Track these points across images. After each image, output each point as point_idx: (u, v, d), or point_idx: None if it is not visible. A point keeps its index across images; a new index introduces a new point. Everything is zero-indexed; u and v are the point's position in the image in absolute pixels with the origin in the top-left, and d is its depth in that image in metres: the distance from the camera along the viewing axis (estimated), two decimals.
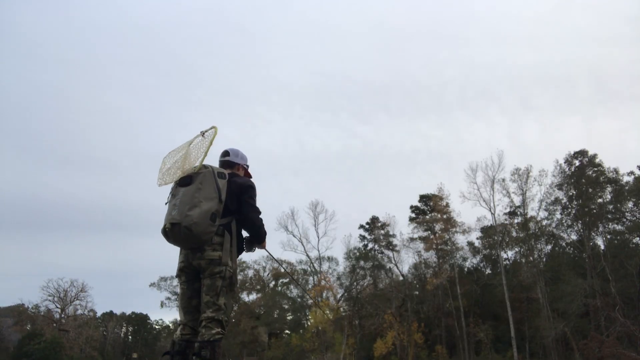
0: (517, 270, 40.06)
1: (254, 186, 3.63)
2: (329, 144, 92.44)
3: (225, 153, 3.81)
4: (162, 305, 54.79)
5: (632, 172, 36.44)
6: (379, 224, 48.41)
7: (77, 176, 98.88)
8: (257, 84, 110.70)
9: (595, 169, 37.99)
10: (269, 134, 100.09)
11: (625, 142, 72.41)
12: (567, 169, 38.56)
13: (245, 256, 3.84)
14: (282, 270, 49.93)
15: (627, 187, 36.36)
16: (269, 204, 59.35)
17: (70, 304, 51.97)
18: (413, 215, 47.82)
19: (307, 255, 47.93)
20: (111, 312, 73.52)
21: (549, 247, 42.68)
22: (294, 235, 47.60)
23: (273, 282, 55.77)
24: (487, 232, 43.90)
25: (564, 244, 42.07)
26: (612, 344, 25.42)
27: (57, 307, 51.40)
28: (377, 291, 44.65)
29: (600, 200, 37.67)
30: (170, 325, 68.76)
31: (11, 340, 50.56)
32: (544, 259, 41.32)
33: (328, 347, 41.78)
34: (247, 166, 3.91)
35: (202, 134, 3.55)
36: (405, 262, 52.29)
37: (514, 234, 42.08)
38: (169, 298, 54.07)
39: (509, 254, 45.33)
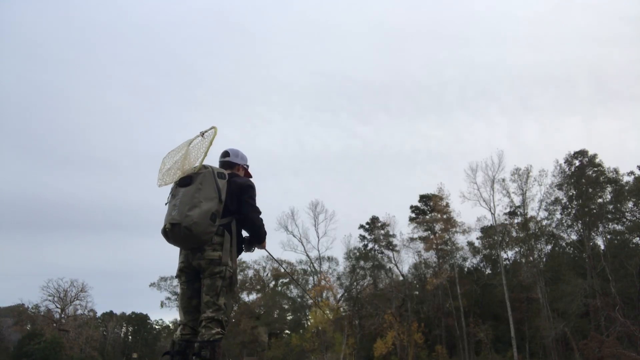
0: (517, 270, 40.05)
1: (254, 186, 3.63)
2: (329, 144, 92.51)
3: (225, 153, 3.82)
4: (162, 305, 54.88)
5: (632, 172, 36.49)
6: (379, 224, 48.43)
7: (77, 176, 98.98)
8: (257, 84, 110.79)
9: (595, 169, 37.99)
10: (269, 134, 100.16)
11: (625, 142, 72.45)
12: (567, 169, 38.59)
13: (245, 256, 3.84)
14: (282, 270, 49.94)
15: (627, 187, 36.36)
16: (269, 204, 59.44)
17: (70, 304, 52.03)
18: (413, 215, 47.85)
19: (307, 255, 48.00)
20: (111, 312, 73.61)
21: (549, 247, 42.71)
22: (294, 235, 47.68)
23: (273, 282, 55.78)
24: (487, 232, 43.91)
25: (564, 244, 42.08)
26: (612, 344, 25.42)
27: (57, 307, 51.44)
28: (377, 291, 44.66)
29: (600, 200, 37.68)
30: (170, 325, 68.81)
31: (11, 340, 50.58)
32: (544, 259, 41.32)
33: (328, 347, 41.79)
34: (247, 166, 3.92)
35: (202, 134, 3.55)
36: (405, 262, 52.33)
37: (514, 234, 42.09)
38: (169, 298, 54.13)
39: (509, 254, 45.41)
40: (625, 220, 37.05)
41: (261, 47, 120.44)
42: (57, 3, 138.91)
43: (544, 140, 76.45)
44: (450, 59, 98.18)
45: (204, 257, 3.30)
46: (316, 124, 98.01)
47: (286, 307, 53.03)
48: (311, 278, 49.18)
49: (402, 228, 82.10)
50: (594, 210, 37.08)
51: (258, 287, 54.98)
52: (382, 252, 47.74)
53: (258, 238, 3.62)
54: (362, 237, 48.85)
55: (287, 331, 54.24)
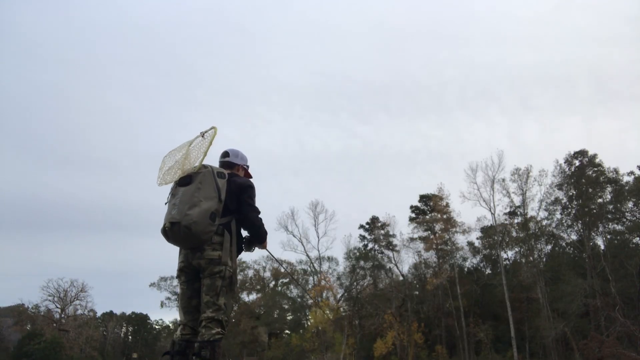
0: (517, 270, 40.05)
1: (254, 186, 3.63)
2: (329, 144, 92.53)
3: (225, 154, 3.82)
4: (162, 305, 54.89)
5: (632, 172, 36.50)
6: (379, 224, 48.43)
7: (77, 176, 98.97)
8: (257, 84, 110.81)
9: (595, 169, 38.00)
10: (269, 134, 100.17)
11: (625, 142, 72.48)
12: (567, 169, 38.59)
13: (245, 256, 3.83)
14: (282, 270, 49.96)
15: (627, 187, 36.37)
16: (269, 204, 59.45)
17: (70, 304, 52.03)
18: (413, 215, 47.85)
19: (307, 255, 48.00)
20: (111, 312, 73.61)
21: (549, 247, 42.71)
22: (294, 235, 47.68)
23: (273, 282, 55.78)
24: (487, 232, 43.91)
25: (564, 244, 42.09)
26: (612, 344, 25.42)
27: (57, 307, 51.44)
28: (377, 291, 44.66)
29: (600, 200, 37.68)
30: (170, 325, 68.81)
31: (11, 340, 50.59)
32: (544, 259, 41.32)
33: (328, 347, 41.79)
34: (247, 167, 3.92)
35: (202, 134, 3.56)
36: (405, 262, 52.37)
37: (514, 234, 42.09)
38: (169, 298, 54.13)
39: (509, 254, 45.41)
40: (625, 220, 37.05)
41: (261, 47, 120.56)
42: (57, 3, 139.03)
43: (544, 140, 76.54)
44: (450, 59, 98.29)
45: (204, 256, 3.30)
46: (316, 124, 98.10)
47: (286, 307, 53.03)
48: (311, 278, 49.21)
49: (402, 228, 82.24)
50: (594, 210, 37.08)
51: (258, 287, 54.99)
52: (382, 252, 47.77)
53: (258, 238, 3.62)
54: (362, 237, 48.91)
55: (287, 331, 54.24)
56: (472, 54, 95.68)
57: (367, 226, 49.19)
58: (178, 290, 3.58)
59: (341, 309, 44.55)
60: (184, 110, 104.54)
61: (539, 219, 40.24)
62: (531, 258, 40.28)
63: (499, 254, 42.12)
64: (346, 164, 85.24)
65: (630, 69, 78.58)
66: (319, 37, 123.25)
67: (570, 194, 38.31)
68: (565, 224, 39.30)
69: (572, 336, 33.17)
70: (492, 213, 40.33)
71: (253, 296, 54.69)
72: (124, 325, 77.29)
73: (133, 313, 75.79)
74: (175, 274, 3.59)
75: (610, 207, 37.08)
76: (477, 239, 46.55)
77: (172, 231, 3.21)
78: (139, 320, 75.85)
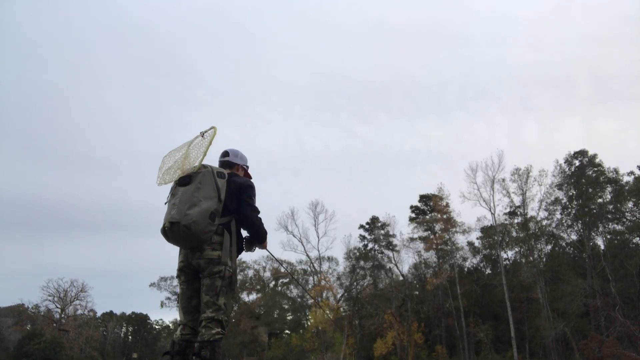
0: (517, 270, 40.05)
1: (253, 186, 3.63)
2: (329, 144, 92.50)
3: (225, 153, 3.82)
4: (162, 305, 54.88)
5: (632, 172, 36.49)
6: (379, 224, 48.43)
7: (77, 176, 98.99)
8: (257, 84, 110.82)
9: (595, 169, 38.00)
10: (269, 134, 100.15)
11: (625, 142, 72.49)
12: (567, 169, 38.59)
13: (245, 256, 3.83)
14: (282, 270, 49.94)
15: (627, 187, 36.36)
16: (269, 204, 59.46)
17: (70, 304, 52.03)
18: (413, 215, 47.85)
19: (307, 255, 48.00)
20: (111, 312, 73.61)
21: (549, 247, 42.70)
22: (294, 235, 47.68)
23: (273, 282, 55.78)
24: (487, 232, 43.91)
25: (564, 244, 42.08)
26: (612, 344, 25.42)
27: (57, 307, 51.44)
28: (377, 291, 44.66)
29: (600, 200, 37.68)
30: (170, 325, 68.81)
31: (11, 340, 50.60)
32: (544, 259, 41.32)
33: (328, 347, 41.79)
34: (247, 167, 3.92)
35: (202, 134, 3.56)
36: (405, 262, 52.38)
37: (514, 234, 42.09)
38: (169, 298, 54.11)
39: (509, 254, 45.42)
40: (625, 220, 37.05)
41: (261, 47, 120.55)
42: (57, 3, 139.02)
43: (544, 140, 76.53)
44: (450, 59, 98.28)
45: (204, 256, 3.30)
46: (316, 124, 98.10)
47: (286, 307, 53.03)
48: (311, 278, 49.20)
49: (402, 228, 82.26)
50: (594, 210, 37.08)
51: (258, 287, 54.97)
52: (382, 252, 47.77)
53: (258, 237, 3.62)
54: (362, 237, 48.92)
55: (287, 331, 54.24)
56: (472, 54, 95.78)
57: (367, 226, 49.21)
58: (178, 290, 3.58)
59: (341, 309, 44.55)
60: (184, 110, 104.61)
61: (539, 219, 40.30)
62: (531, 258, 40.29)
63: (499, 254, 42.12)
64: (346, 164, 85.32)
65: (630, 69, 78.65)
66: (319, 37, 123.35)
67: (570, 194, 38.31)
68: (565, 224, 39.32)
69: (572, 336, 33.17)
70: (492, 213, 40.39)
71: (253, 296, 54.73)
72: (124, 325, 77.29)
73: (133, 313, 75.84)
74: (175, 274, 3.59)
75: (610, 207, 37.08)
76: (477, 239, 46.63)
77: (171, 231, 3.21)
78: (139, 320, 75.85)
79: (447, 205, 45.14)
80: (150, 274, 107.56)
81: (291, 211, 48.40)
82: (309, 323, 47.82)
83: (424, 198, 47.92)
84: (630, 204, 36.62)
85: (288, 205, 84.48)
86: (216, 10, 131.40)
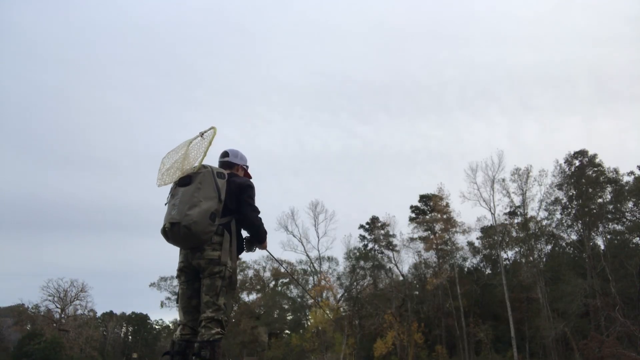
0: (517, 270, 40.05)
1: (253, 186, 3.63)
2: (329, 144, 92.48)
3: (225, 154, 3.83)
4: (162, 305, 54.90)
5: (632, 172, 36.49)
6: (379, 224, 48.42)
7: (77, 176, 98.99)
8: (257, 84, 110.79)
9: (595, 169, 37.99)
10: (269, 134, 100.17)
11: (625, 142, 72.48)
12: (567, 169, 38.59)
13: (245, 256, 3.84)
14: (282, 270, 49.94)
15: (627, 187, 36.36)
16: (269, 204, 59.43)
17: (70, 304, 52.02)
18: (413, 215, 47.85)
19: (307, 255, 48.00)
20: (111, 312, 73.62)
21: (549, 247, 42.70)
22: (294, 235, 47.68)
23: (273, 282, 55.78)
24: (487, 232, 43.91)
25: (564, 244, 42.08)
26: (612, 344, 25.42)
27: (57, 307, 51.44)
28: (377, 291, 44.65)
29: (600, 200, 37.67)
30: (170, 325, 68.81)
31: (11, 340, 50.57)
32: (544, 259, 41.32)
33: (328, 347, 41.79)
34: (247, 167, 3.92)
35: (202, 134, 3.56)
36: (405, 262, 52.38)
37: (514, 234, 42.08)
38: (169, 298, 54.12)
39: (509, 254, 45.41)
40: (625, 220, 37.04)
41: (261, 47, 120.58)
42: (57, 3, 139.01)
43: (544, 140, 76.52)
44: (450, 59, 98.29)
45: (204, 256, 3.30)
46: (316, 124, 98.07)
47: (286, 307, 53.02)
48: (311, 278, 49.20)
49: (402, 228, 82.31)
50: (594, 210, 37.07)
51: (258, 287, 54.97)
52: (382, 252, 47.76)
53: (258, 238, 3.62)
54: (362, 237, 48.91)
55: (287, 331, 54.23)
56: (472, 54, 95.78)
57: (367, 226, 49.21)
58: (178, 290, 3.58)
59: (341, 309, 44.54)
60: (184, 110, 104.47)
61: (539, 219, 40.29)
62: (531, 258, 40.28)
63: (499, 254, 42.12)
64: (346, 164, 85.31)
65: (630, 69, 78.61)
66: (319, 37, 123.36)
67: (570, 194, 38.30)
68: (565, 224, 39.31)
69: (572, 336, 33.17)
70: (492, 213, 40.39)
71: (253, 296, 54.73)
72: (124, 325, 77.30)
73: (133, 313, 75.85)
74: (175, 274, 3.59)
75: (610, 207, 37.08)
76: (477, 239, 46.63)
77: (172, 231, 3.21)
78: (139, 320, 75.86)
79: (447, 205, 45.17)
80: (150, 274, 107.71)
81: (291, 211, 48.47)
82: (309, 323, 47.82)
83: (424, 198, 47.93)
84: (630, 204, 36.62)
85: (288, 205, 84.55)
86: (216, 10, 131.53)
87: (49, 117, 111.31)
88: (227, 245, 3.38)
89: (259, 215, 3.58)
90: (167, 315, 79.97)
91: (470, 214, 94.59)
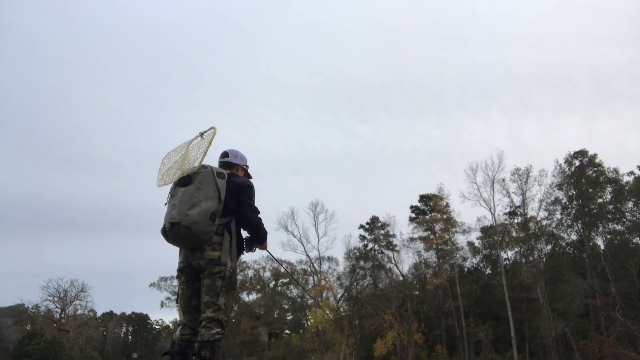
0: (517, 270, 40.05)
1: (253, 186, 3.63)
2: (329, 144, 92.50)
3: (225, 154, 3.83)
4: (162, 305, 54.89)
5: (632, 172, 36.48)
6: (379, 224, 48.41)
7: (77, 176, 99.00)
8: (257, 84, 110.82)
9: (595, 169, 37.99)
10: (269, 134, 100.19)
11: (625, 142, 72.50)
12: (567, 169, 38.58)
13: (245, 256, 3.84)
14: (282, 270, 49.93)
15: (627, 187, 36.35)
16: (269, 204, 59.44)
17: (70, 304, 52.02)
18: (413, 215, 47.84)
19: (307, 255, 48.00)
20: (111, 312, 73.62)
21: (549, 247, 42.69)
22: (294, 235, 47.68)
23: (273, 282, 55.78)
24: (487, 232, 43.90)
25: (564, 244, 42.08)
26: (612, 344, 25.42)
27: (57, 307, 51.44)
28: (377, 291, 44.65)
29: (600, 200, 37.67)
30: (170, 325, 68.82)
31: (11, 340, 50.57)
32: (544, 259, 41.32)
33: (328, 347, 41.79)
34: (247, 167, 3.92)
35: (201, 135, 3.56)
36: (405, 262, 52.41)
37: (514, 234, 42.08)
38: (169, 298, 54.12)
39: (509, 254, 45.41)
40: (625, 220, 37.04)
41: (261, 47, 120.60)
42: (57, 3, 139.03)
43: (544, 140, 76.54)
44: (450, 59, 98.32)
45: (204, 256, 3.30)
46: (316, 124, 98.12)
47: (286, 307, 53.02)
48: (311, 278, 49.20)
49: (402, 228, 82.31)
50: (594, 210, 37.07)
51: (258, 287, 54.98)
52: (382, 252, 47.75)
53: (258, 238, 3.62)
54: (362, 237, 48.90)
55: (287, 331, 54.23)
56: (472, 54, 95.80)
57: (367, 226, 49.20)
58: (178, 290, 3.58)
59: (341, 309, 44.54)
60: (184, 110, 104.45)
61: (539, 219, 40.29)
62: (531, 258, 40.28)
63: (499, 254, 42.11)
64: (346, 164, 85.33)
65: (630, 69, 78.62)
66: (319, 37, 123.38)
67: (570, 194, 38.30)
68: (565, 224, 39.31)
69: (572, 336, 33.17)
70: (492, 213, 40.38)
71: (253, 296, 54.73)
72: (124, 325, 77.30)
73: (133, 313, 75.85)
74: (175, 274, 3.59)
75: (610, 207, 37.07)
76: (477, 239, 46.63)
77: (172, 231, 3.21)
78: (139, 320, 75.86)
79: (447, 205, 45.17)
80: (150, 274, 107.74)
81: (291, 211, 48.46)
82: (309, 323, 47.83)
83: (424, 198, 47.93)
84: (630, 204, 36.62)
85: (288, 205, 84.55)
86: (216, 10, 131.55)
87: (49, 117, 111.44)
88: (227, 245, 3.38)
89: (259, 216, 3.58)
90: (167, 315, 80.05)
91: (470, 214, 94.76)
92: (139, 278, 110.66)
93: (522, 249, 42.74)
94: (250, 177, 3.87)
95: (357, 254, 46.23)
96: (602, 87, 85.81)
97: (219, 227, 3.38)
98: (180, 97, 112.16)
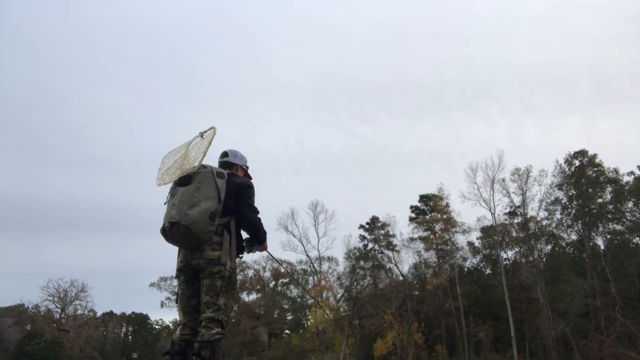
0: (517, 270, 40.05)
1: (253, 186, 3.63)
2: (329, 144, 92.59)
3: (224, 154, 3.83)
4: (162, 305, 54.92)
5: (632, 172, 36.47)
6: (379, 224, 48.41)
7: (77, 176, 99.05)
8: (257, 84, 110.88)
9: (595, 169, 37.98)
10: (269, 134, 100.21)
11: (625, 142, 72.54)
12: (567, 169, 38.57)
13: (245, 256, 3.84)
14: (282, 270, 49.93)
15: (627, 187, 36.35)
16: (269, 204, 59.45)
17: (70, 304, 52.06)
18: (413, 215, 47.84)
19: (307, 255, 48.00)
20: (111, 312, 73.64)
21: (549, 247, 42.69)
22: (294, 235, 47.68)
23: (273, 282, 55.78)
24: (487, 232, 43.90)
25: (564, 244, 42.07)
26: (612, 344, 25.43)
27: (57, 307, 51.47)
28: (377, 291, 44.64)
29: (600, 200, 37.66)
30: (170, 325, 68.86)
31: (11, 340, 50.57)
32: (544, 259, 41.31)
33: (328, 347, 41.79)
34: (247, 167, 3.91)
35: (201, 135, 3.55)
36: (405, 262, 52.40)
37: (514, 234, 42.07)
38: (169, 298, 54.14)
39: (509, 254, 45.40)
40: (625, 220, 37.03)
41: (261, 47, 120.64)
42: (57, 3, 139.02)
43: (544, 140, 76.54)
44: (450, 59, 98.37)
45: (203, 256, 3.29)
46: (316, 124, 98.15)
47: (286, 307, 53.02)
48: (311, 278, 49.20)
49: (402, 228, 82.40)
50: (594, 210, 37.06)
51: (258, 287, 54.98)
52: (382, 252, 47.75)
53: (257, 238, 3.62)
54: (362, 237, 48.90)
55: (287, 331, 54.22)
56: (472, 54, 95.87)
57: (367, 226, 49.20)
58: (177, 290, 3.58)
59: (341, 309, 44.53)
60: (184, 110, 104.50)
61: (539, 219, 40.28)
62: (531, 258, 40.27)
63: (499, 254, 42.11)
64: (346, 164, 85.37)
65: (630, 69, 78.71)
66: (319, 37, 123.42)
67: (570, 194, 38.29)
68: (565, 224, 39.30)
69: (572, 336, 33.17)
70: (492, 213, 40.37)
71: (253, 296, 54.75)
72: (124, 325, 77.31)
73: (133, 313, 75.87)
74: (174, 274, 3.58)
75: (610, 207, 37.06)
76: (477, 239, 46.62)
77: (171, 231, 3.20)
78: (139, 320, 75.87)
79: (447, 205, 45.16)
80: (150, 274, 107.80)
81: (291, 211, 48.48)
82: (309, 323, 47.82)
83: (424, 198, 47.92)
84: (630, 204, 36.61)
85: (288, 205, 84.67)
86: (216, 10, 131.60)
87: (49, 117, 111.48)
88: (226, 245, 3.38)
89: (259, 216, 3.58)
90: (167, 315, 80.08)
91: (470, 214, 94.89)
92: (139, 278, 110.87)
93: (522, 249, 42.74)
94: (251, 178, 3.86)
95: (357, 254, 46.23)
96: (602, 87, 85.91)
97: (219, 227, 3.37)
98: (180, 97, 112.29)
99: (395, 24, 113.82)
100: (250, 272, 54.86)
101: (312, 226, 49.11)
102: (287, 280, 53.15)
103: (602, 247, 37.59)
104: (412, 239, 45.86)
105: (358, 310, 44.78)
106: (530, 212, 40.25)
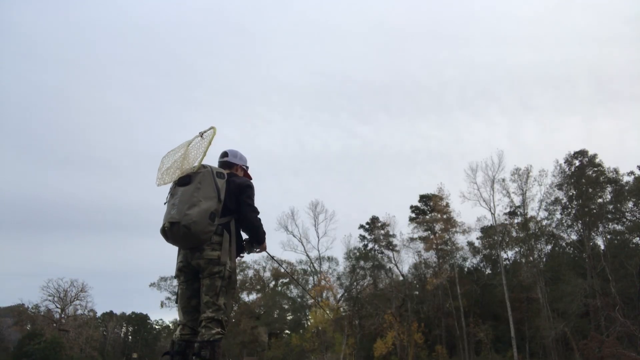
0: (517, 270, 40.04)
1: (252, 186, 3.63)
2: (329, 144, 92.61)
3: (224, 154, 3.82)
4: (162, 305, 54.93)
5: (632, 172, 36.47)
6: (379, 224, 48.41)
7: (77, 176, 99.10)
8: (257, 84, 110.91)
9: (595, 169, 37.97)
10: (269, 134, 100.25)
11: (625, 142, 72.60)
12: (567, 169, 38.56)
13: (245, 256, 3.85)
14: (282, 270, 49.92)
15: (627, 187, 36.34)
16: (269, 204, 59.47)
17: (70, 304, 52.06)
18: (413, 215, 47.83)
19: (307, 255, 48.00)
20: (111, 312, 73.66)
21: (549, 247, 42.68)
22: (294, 235, 47.68)
23: (273, 282, 55.77)
24: (487, 232, 43.89)
25: (564, 244, 42.06)
26: (612, 344, 25.42)
27: (57, 307, 51.47)
28: (377, 291, 44.63)
29: (600, 200, 37.65)
30: (170, 325, 68.87)
31: (11, 340, 50.59)
32: (544, 259, 41.30)
33: (328, 347, 41.78)
34: (247, 167, 3.91)
35: (201, 135, 3.55)
36: (405, 262, 52.40)
37: (514, 234, 42.07)
38: (169, 298, 54.14)
39: (509, 254, 45.39)
40: (625, 220, 37.02)
41: (261, 47, 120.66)
42: (57, 3, 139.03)
43: (544, 140, 76.57)
44: (450, 59, 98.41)
45: (203, 256, 3.29)
46: (316, 124, 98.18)
47: (286, 307, 53.01)
48: (311, 278, 49.20)
49: (402, 228, 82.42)
50: (594, 210, 37.06)
51: (258, 287, 54.98)
52: (382, 252, 47.74)
53: (257, 238, 3.62)
54: (362, 237, 48.89)
55: (287, 331, 54.22)
56: (472, 54, 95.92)
57: (367, 226, 49.19)
58: (177, 290, 3.58)
59: (341, 309, 44.52)
60: (184, 110, 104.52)
61: (539, 219, 40.27)
62: (531, 258, 40.26)
63: (499, 254, 42.10)
64: (346, 164, 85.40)
65: (630, 69, 78.73)
66: (319, 37, 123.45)
67: (570, 194, 38.28)
68: (565, 224, 39.30)
69: (572, 336, 33.16)
70: (492, 213, 40.36)
71: (253, 296, 54.75)
72: (124, 325, 77.33)
73: (133, 313, 75.88)
74: (174, 274, 3.58)
75: (610, 207, 37.06)
76: (477, 239, 46.61)
77: (171, 231, 3.20)
78: (139, 320, 75.87)
79: (447, 205, 45.16)
80: (150, 274, 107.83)
81: (291, 211, 48.47)
82: (309, 323, 47.82)
83: (424, 198, 47.92)
84: (630, 204, 36.60)
85: (288, 205, 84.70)
86: (216, 10, 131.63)
87: (49, 117, 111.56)
88: (226, 245, 3.38)
89: (259, 216, 3.58)
90: (167, 315, 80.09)
91: (470, 214, 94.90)
92: (139, 278, 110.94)
93: (522, 249, 42.73)
94: (251, 178, 3.86)
95: (357, 254, 46.23)
96: (602, 87, 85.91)
97: (219, 227, 3.37)
98: (180, 97, 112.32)
99: (395, 24, 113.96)
100: (250, 272, 54.93)
101: (312, 226, 49.19)
102: (287, 280, 53.15)
103: (602, 247, 37.60)
104: (412, 239, 45.91)
105: (358, 310, 44.78)
106: (530, 212, 40.30)
